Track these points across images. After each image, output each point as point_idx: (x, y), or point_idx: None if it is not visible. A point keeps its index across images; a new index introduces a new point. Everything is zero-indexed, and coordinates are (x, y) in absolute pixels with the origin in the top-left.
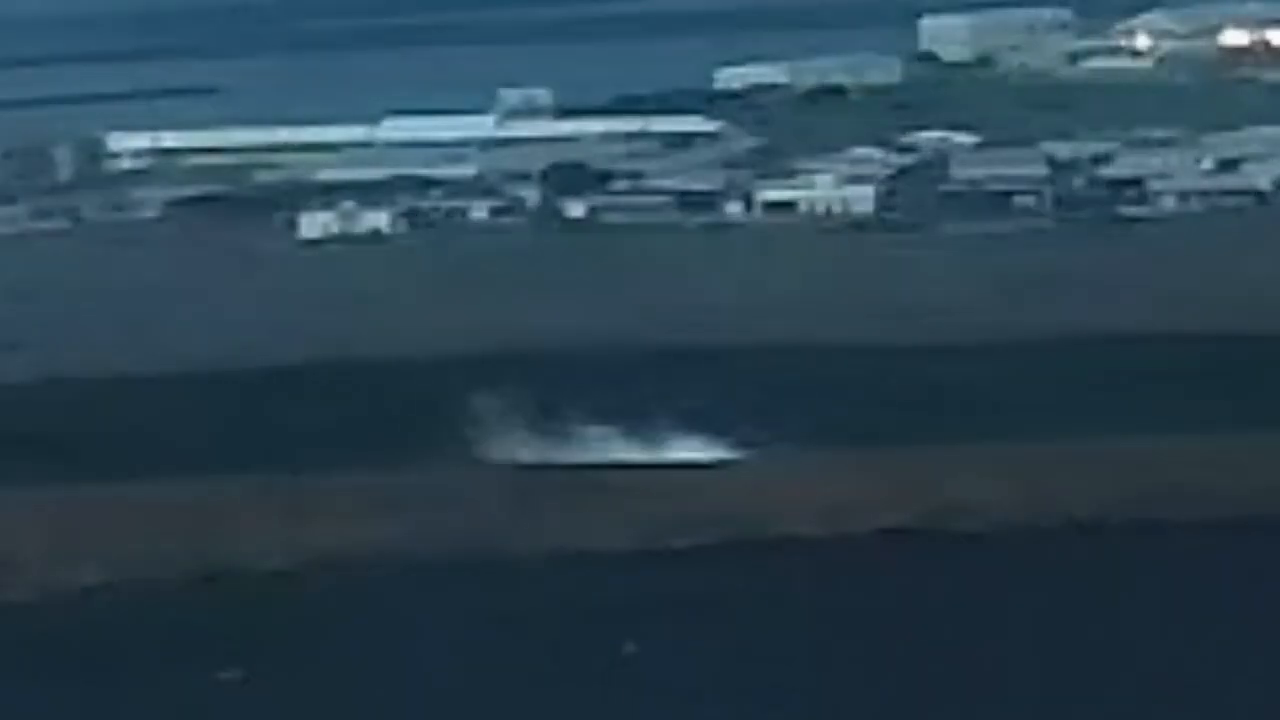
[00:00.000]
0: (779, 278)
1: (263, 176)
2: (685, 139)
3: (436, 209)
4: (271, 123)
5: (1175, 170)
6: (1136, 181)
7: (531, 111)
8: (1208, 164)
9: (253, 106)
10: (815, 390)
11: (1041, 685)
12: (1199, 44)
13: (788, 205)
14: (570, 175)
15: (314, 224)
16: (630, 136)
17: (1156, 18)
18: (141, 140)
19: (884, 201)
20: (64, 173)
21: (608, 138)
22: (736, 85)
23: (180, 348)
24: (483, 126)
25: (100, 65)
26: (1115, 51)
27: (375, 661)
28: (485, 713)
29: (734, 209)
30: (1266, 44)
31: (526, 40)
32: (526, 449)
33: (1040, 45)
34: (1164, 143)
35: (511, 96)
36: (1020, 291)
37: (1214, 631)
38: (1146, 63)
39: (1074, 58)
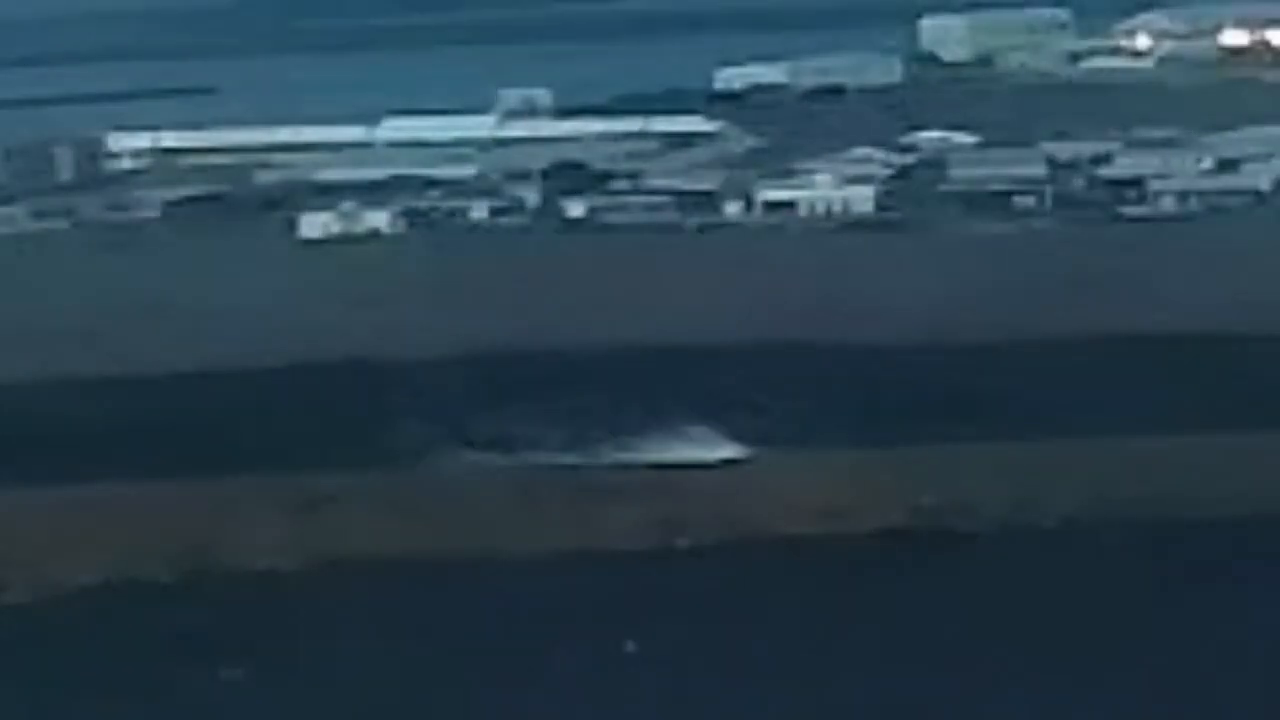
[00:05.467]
0: (779, 278)
1: (263, 176)
2: (685, 139)
3: (436, 209)
4: (271, 123)
5: (1175, 170)
6: (1136, 181)
7: (531, 111)
8: (1208, 164)
9: (253, 106)
10: (815, 390)
11: (1041, 684)
12: (1199, 44)
13: (788, 205)
14: (570, 175)
15: (314, 224)
16: (630, 136)
17: (1156, 18)
18: (141, 140)
19: (884, 201)
20: (64, 173)
21: (608, 138)
22: (736, 85)
23: (180, 348)
24: (483, 126)
25: (100, 65)
26: (1115, 51)
27: (376, 660)
28: (487, 711)
29: (734, 209)
30: (1266, 44)
31: (526, 40)
32: (527, 449)
33: (1040, 45)
34: (1164, 143)
35: (511, 96)
36: (1020, 291)
37: (1215, 631)
38: (1146, 63)
39: (1074, 58)
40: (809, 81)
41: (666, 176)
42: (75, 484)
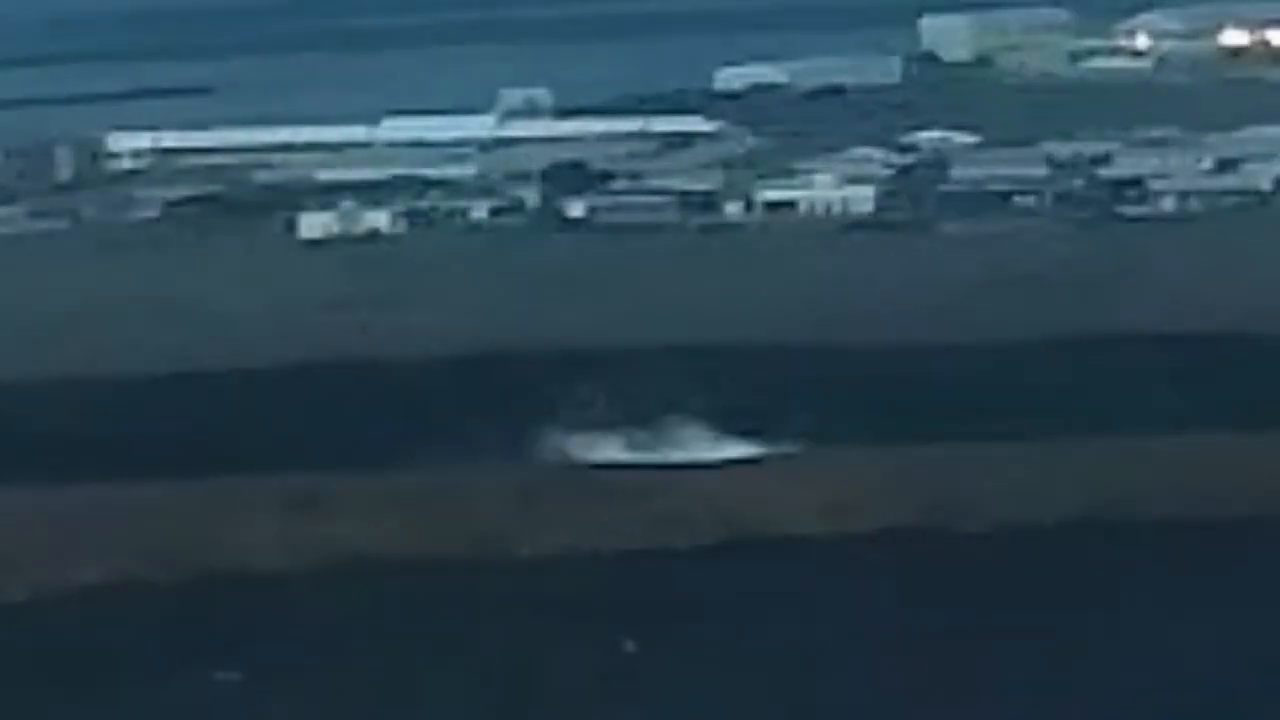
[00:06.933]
0: (779, 278)
1: (263, 176)
2: (685, 139)
3: (436, 209)
4: (271, 123)
5: (1175, 170)
6: (1136, 181)
7: (531, 111)
8: (1208, 164)
9: (252, 106)
10: (815, 390)
11: (1043, 685)
12: (1199, 44)
13: (788, 205)
14: (570, 175)
15: (314, 224)
16: (630, 136)
17: (1156, 18)
18: (141, 140)
19: (884, 201)
20: (64, 173)
21: (608, 138)
22: (736, 85)
23: (179, 348)
24: (483, 126)
25: (100, 65)
26: (1115, 51)
27: (374, 661)
28: (485, 711)
29: (734, 209)
30: (1266, 44)
31: (526, 40)
32: (527, 449)
33: (1040, 45)
34: (1164, 143)
35: (511, 96)
36: (1020, 291)
37: (1214, 632)
38: (1146, 63)
39: (1074, 58)
40: (809, 81)
41: (666, 176)
42: (74, 484)
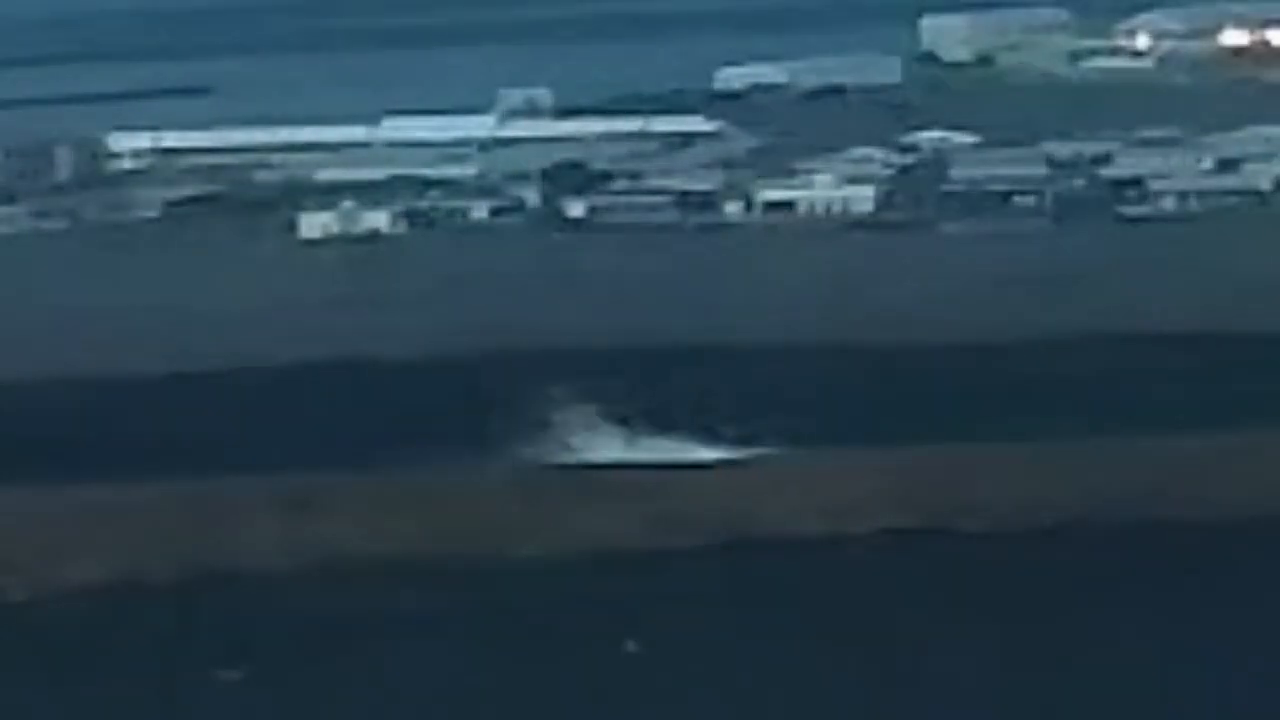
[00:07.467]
0: (778, 278)
1: (262, 176)
2: (685, 139)
3: (436, 209)
4: (271, 123)
5: (1175, 170)
6: (1136, 181)
7: (531, 111)
8: (1208, 164)
9: (252, 106)
10: (815, 390)
11: (1043, 685)
12: (1199, 44)
13: (788, 205)
14: (570, 175)
15: (314, 224)
16: (630, 136)
17: (1156, 18)
18: (141, 140)
19: (884, 201)
20: (64, 173)
21: (608, 138)
22: (736, 85)
23: (179, 348)
24: (483, 126)
25: (100, 65)
26: (1115, 51)
27: (376, 661)
28: (487, 712)
29: (734, 209)
30: (1266, 44)
31: (526, 40)
32: (527, 449)
33: (1040, 45)
34: (1164, 143)
35: (511, 96)
36: (1019, 291)
37: (1214, 631)
38: (1146, 63)
39: (1074, 58)
40: (809, 81)
41: (666, 176)
42: (74, 484)
